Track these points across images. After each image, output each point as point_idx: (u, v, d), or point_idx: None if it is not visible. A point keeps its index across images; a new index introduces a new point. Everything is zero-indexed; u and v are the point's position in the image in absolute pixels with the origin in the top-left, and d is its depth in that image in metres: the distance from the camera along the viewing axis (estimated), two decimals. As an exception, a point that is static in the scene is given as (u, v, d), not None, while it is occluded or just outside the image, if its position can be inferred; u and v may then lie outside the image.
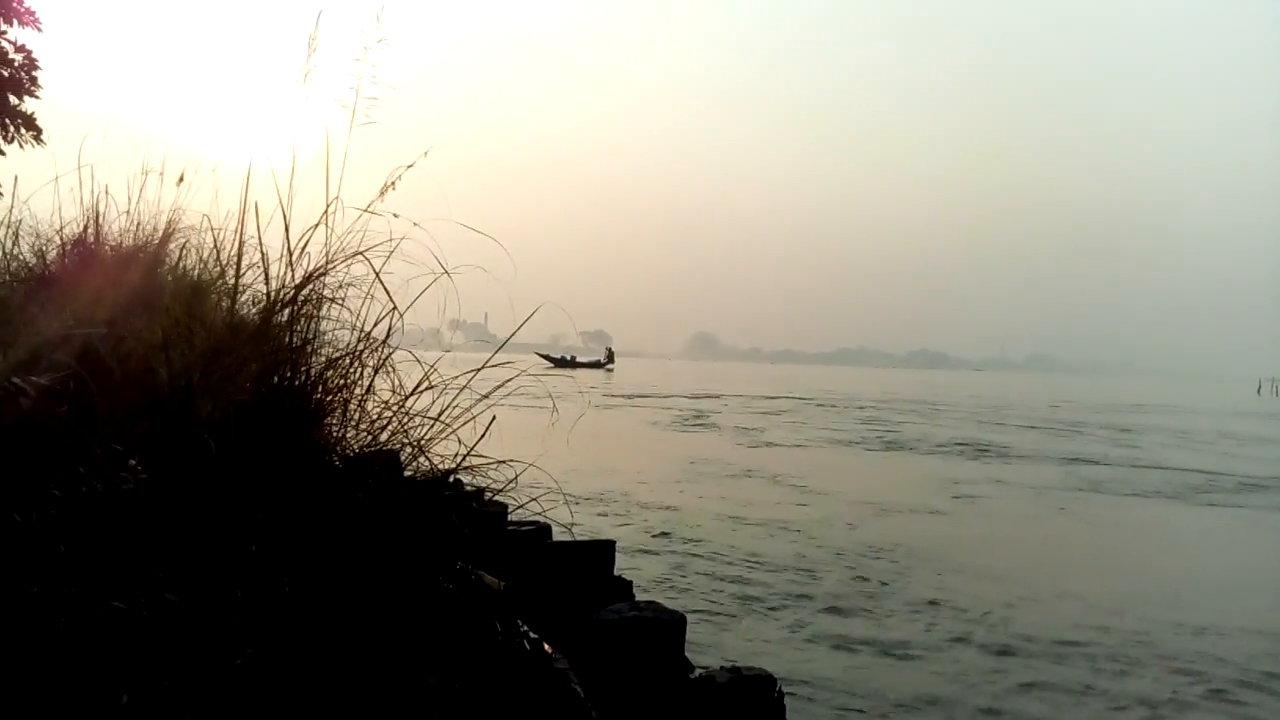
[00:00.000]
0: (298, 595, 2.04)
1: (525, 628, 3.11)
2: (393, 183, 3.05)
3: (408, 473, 3.13)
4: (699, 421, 23.00)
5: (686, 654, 3.07)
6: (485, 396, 2.92)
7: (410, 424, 2.81)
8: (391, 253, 2.75)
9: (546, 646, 2.97)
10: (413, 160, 3.12)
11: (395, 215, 2.95)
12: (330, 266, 2.86)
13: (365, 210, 2.93)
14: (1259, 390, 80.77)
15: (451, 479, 3.53)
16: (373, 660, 2.28)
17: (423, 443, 2.89)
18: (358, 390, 2.77)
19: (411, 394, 2.78)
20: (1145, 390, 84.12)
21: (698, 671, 2.73)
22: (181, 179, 4.96)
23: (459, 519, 3.22)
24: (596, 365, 40.04)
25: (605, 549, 3.69)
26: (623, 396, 32.45)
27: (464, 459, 2.91)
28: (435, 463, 2.96)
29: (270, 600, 1.93)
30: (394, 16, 2.92)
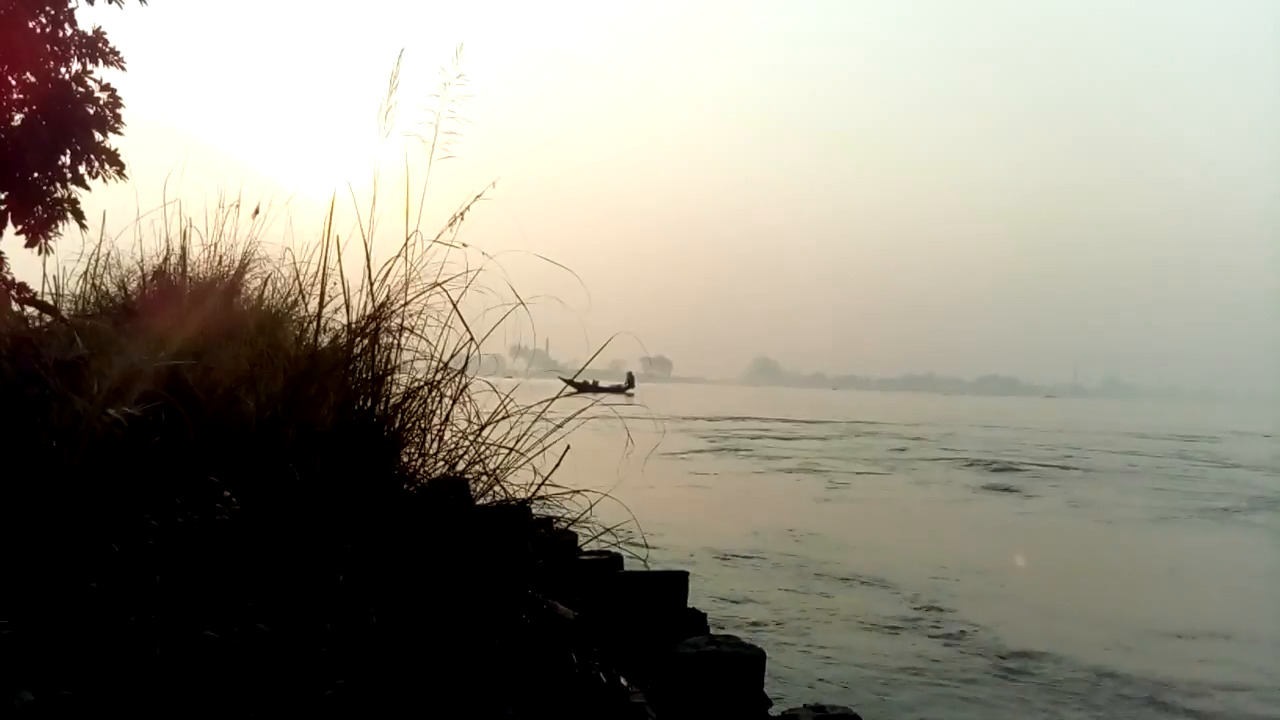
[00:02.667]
0: (384, 626, 2.05)
1: (599, 660, 3.08)
2: (462, 213, 3.08)
3: (483, 501, 3.14)
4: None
5: (765, 689, 3.01)
6: (559, 426, 2.92)
7: (485, 453, 2.82)
8: (469, 284, 2.78)
9: (623, 679, 2.94)
10: (481, 191, 3.16)
11: (465, 245, 2.98)
12: (410, 298, 2.90)
13: (436, 240, 2.96)
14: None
15: (528, 507, 3.54)
16: (456, 692, 2.28)
17: (498, 472, 2.90)
18: (435, 420, 2.80)
19: (487, 424, 2.80)
20: (1234, 415, 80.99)
21: (778, 709, 2.67)
22: (257, 211, 5.11)
23: (533, 548, 3.22)
24: (618, 390, 40.51)
25: (678, 580, 3.65)
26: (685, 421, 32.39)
27: (538, 488, 2.91)
28: (510, 491, 2.96)
29: (358, 631, 1.94)
30: (472, 53, 2.96)
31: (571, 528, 3.76)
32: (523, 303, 2.81)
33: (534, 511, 3.50)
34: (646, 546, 3.09)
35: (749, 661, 2.75)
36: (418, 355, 2.88)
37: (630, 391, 42.28)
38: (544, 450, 2.93)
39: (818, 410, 50.51)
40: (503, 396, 2.82)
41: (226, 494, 2.06)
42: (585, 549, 3.92)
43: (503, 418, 2.81)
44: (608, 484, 3.02)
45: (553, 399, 2.89)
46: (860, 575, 7.26)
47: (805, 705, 2.60)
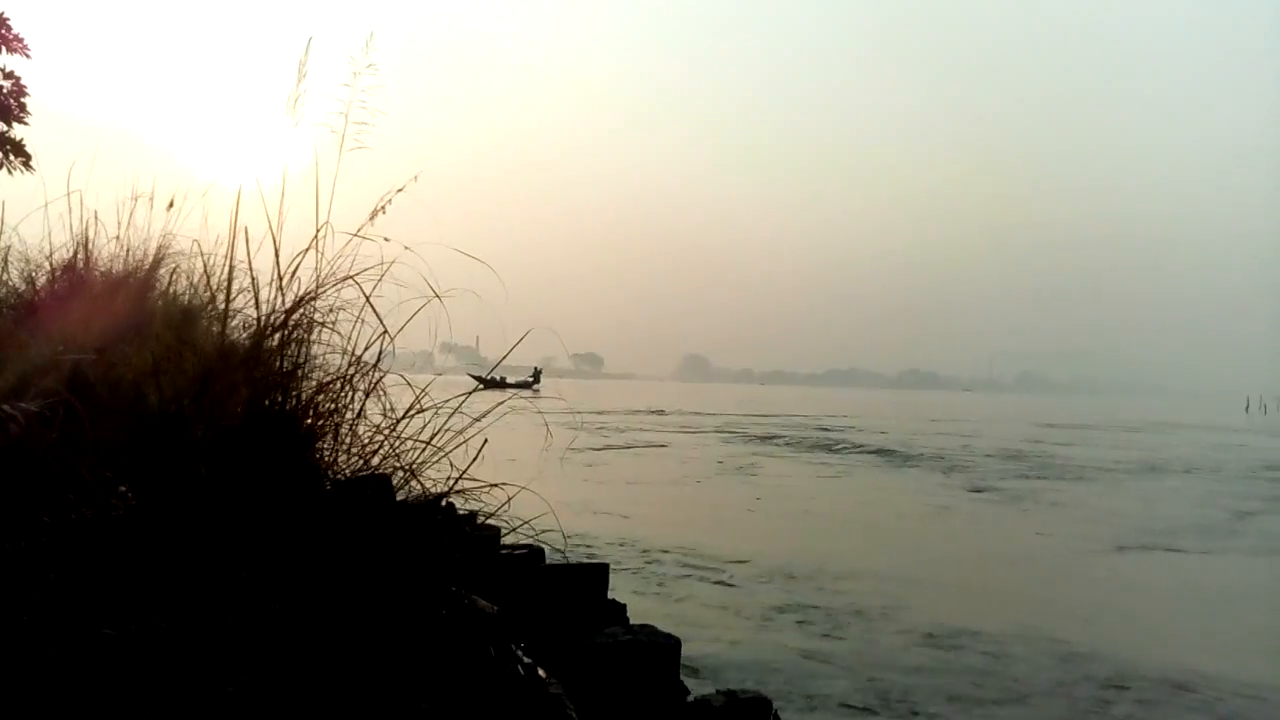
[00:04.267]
0: (290, 622, 2.02)
1: (520, 652, 3.09)
2: (383, 206, 3.05)
3: (401, 497, 3.12)
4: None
5: (682, 677, 3.05)
6: (477, 420, 2.91)
7: (401, 448, 2.80)
8: (382, 277, 2.75)
9: (541, 671, 2.94)
10: (403, 184, 3.13)
11: (387, 239, 2.96)
12: (321, 291, 2.86)
13: (356, 235, 2.93)
14: (1247, 408, 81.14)
15: (444, 503, 3.53)
16: (366, 687, 2.26)
17: (414, 466, 2.88)
18: (349, 414, 2.76)
19: (403, 418, 2.78)
20: (1140, 408, 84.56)
21: (693, 695, 2.71)
22: (172, 204, 4.96)
23: (451, 543, 3.21)
24: (525, 385, 41.06)
25: (599, 572, 3.67)
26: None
27: (456, 482, 2.90)
28: (427, 486, 2.95)
29: (262, 627, 1.91)
30: (384, 42, 2.93)
31: (491, 521, 3.76)
32: (438, 296, 2.79)
33: (456, 506, 3.49)
34: (565, 537, 3.11)
35: (665, 650, 2.79)
36: (330, 349, 2.85)
37: (537, 387, 42.88)
38: (460, 445, 2.93)
39: (725, 404, 51.31)
40: (417, 391, 2.80)
41: (122, 489, 2.01)
42: (508, 543, 3.92)
43: (417, 412, 2.79)
44: (524, 478, 3.03)
45: (465, 395, 2.88)
46: (763, 562, 7.38)
47: (718, 691, 2.65)
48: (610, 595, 3.71)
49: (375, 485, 3.19)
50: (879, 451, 20.08)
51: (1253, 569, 8.51)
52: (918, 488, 13.90)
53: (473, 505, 3.39)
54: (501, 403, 2.98)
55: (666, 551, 7.75)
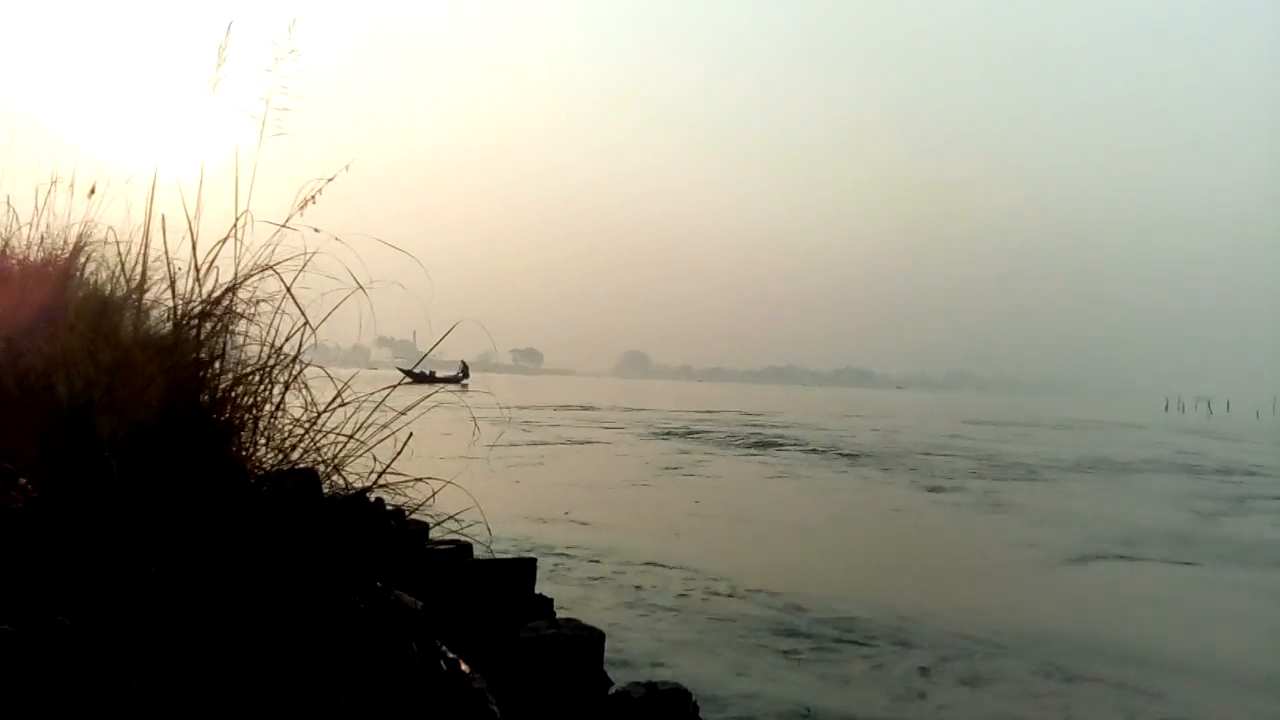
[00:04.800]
0: (201, 618, 1.98)
1: (444, 648, 3.07)
2: (312, 196, 3.00)
3: (326, 492, 3.07)
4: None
5: (608, 670, 3.06)
6: (402, 413, 2.88)
7: (323, 441, 2.76)
8: (303, 267, 2.70)
9: (464, 666, 2.93)
10: (334, 174, 3.08)
11: (317, 230, 2.91)
12: (240, 281, 2.80)
13: (283, 225, 2.88)
14: (1166, 407, 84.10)
15: (373, 498, 3.49)
16: (280, 684, 2.23)
17: (336, 461, 2.84)
18: (268, 407, 2.71)
19: (324, 411, 2.73)
20: (1066, 406, 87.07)
21: (615, 688, 2.72)
22: (93, 190, 4.80)
23: (375, 538, 3.17)
24: (453, 380, 41.25)
25: (526, 567, 3.66)
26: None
27: (379, 477, 2.86)
28: (350, 481, 2.91)
29: (171, 623, 1.87)
30: (308, 28, 2.88)
31: (417, 516, 3.73)
32: (361, 287, 2.76)
33: (384, 501, 3.45)
34: (490, 532, 3.10)
35: (588, 643, 2.79)
36: (250, 341, 2.79)
37: (465, 382, 42.87)
38: (384, 438, 2.90)
39: (661, 401, 51.56)
40: (339, 384, 2.76)
41: (22, 481, 1.94)
42: (436, 538, 3.90)
43: (338, 405, 2.75)
44: (449, 473, 3.01)
45: (389, 389, 2.85)
46: (694, 557, 7.41)
47: (638, 683, 2.67)
48: (538, 590, 3.71)
49: (300, 480, 3.14)
50: (822, 450, 20.07)
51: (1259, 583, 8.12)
52: (865, 486, 13.76)
53: (398, 500, 3.36)
54: (427, 397, 2.95)
55: (592, 547, 7.74)
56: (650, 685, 2.63)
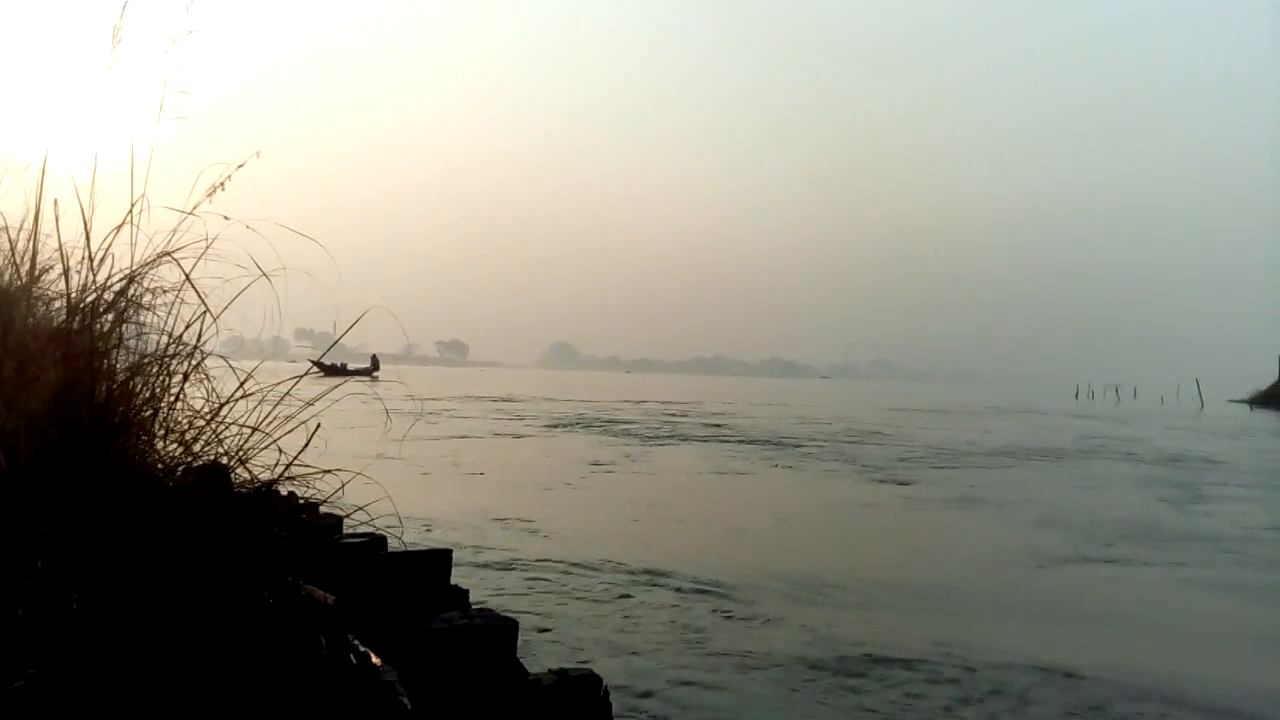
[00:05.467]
0: (94, 614, 1.92)
1: (355, 641, 3.03)
2: (222, 183, 2.93)
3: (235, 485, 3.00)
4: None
5: (527, 659, 3.07)
6: (309, 404, 2.84)
7: (226, 434, 2.70)
8: (203, 254, 2.63)
9: (375, 659, 2.90)
10: (244, 160, 3.01)
11: (227, 218, 2.84)
12: (139, 270, 2.72)
13: (189, 213, 2.80)
14: (1076, 395, 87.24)
15: (285, 492, 3.42)
16: (179, 680, 2.18)
17: (241, 453, 2.78)
18: (167, 399, 2.64)
19: (226, 403, 2.67)
20: (987, 394, 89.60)
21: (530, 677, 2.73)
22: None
23: (286, 532, 3.12)
24: (365, 373, 41.38)
25: (442, 558, 3.63)
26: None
27: (286, 469, 2.81)
28: (256, 473, 2.85)
29: (57, 619, 1.81)
30: (209, 13, 2.81)
31: (331, 510, 3.67)
32: (265, 275, 2.70)
33: (297, 495, 3.39)
34: (402, 523, 3.07)
35: (500, 632, 2.79)
36: (148, 331, 2.71)
37: (376, 374, 42.65)
38: (291, 430, 2.85)
39: (586, 391, 51.64)
40: (240, 375, 2.70)
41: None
42: (350, 531, 3.85)
43: (241, 397, 2.69)
44: (359, 464, 2.97)
45: (296, 379, 2.80)
46: (615, 549, 7.44)
47: (549, 670, 2.68)
48: (453, 582, 3.69)
49: (208, 474, 3.07)
50: (762, 442, 19.92)
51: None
52: (817, 480, 13.52)
53: (309, 494, 3.31)
54: (334, 388, 2.90)
55: (505, 537, 7.71)
56: (561, 671, 2.64)
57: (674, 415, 29.48)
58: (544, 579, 6.34)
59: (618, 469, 13.58)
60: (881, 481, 13.14)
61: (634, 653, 4.67)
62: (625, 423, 25.29)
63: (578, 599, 5.77)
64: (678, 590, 6.06)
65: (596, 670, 2.72)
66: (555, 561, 6.92)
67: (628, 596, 5.87)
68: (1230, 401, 65.43)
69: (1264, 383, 62.97)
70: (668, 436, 20.62)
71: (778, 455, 16.41)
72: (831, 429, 25.39)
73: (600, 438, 19.59)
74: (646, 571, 6.48)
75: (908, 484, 13.05)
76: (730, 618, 5.34)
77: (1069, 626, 5.71)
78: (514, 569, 6.59)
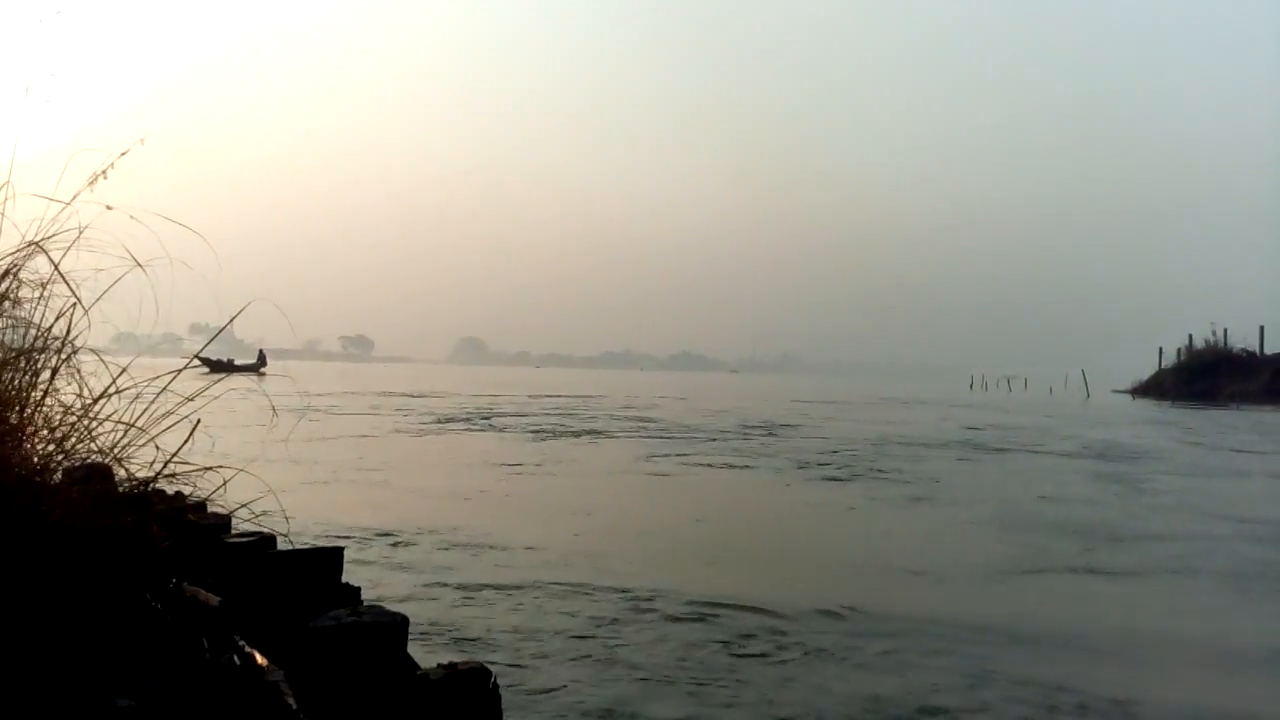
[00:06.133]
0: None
1: (241, 642, 2.97)
2: (105, 171, 2.84)
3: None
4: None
5: (418, 655, 3.04)
6: (189, 399, 2.76)
7: (100, 431, 2.61)
8: (73, 244, 2.54)
9: (260, 659, 2.85)
10: (127, 148, 2.92)
11: (110, 207, 2.76)
12: (5, 260, 2.60)
13: (67, 203, 2.70)
14: (971, 385, 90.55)
15: (173, 491, 3.32)
16: (50, 687, 2.10)
17: (117, 450, 2.69)
18: (34, 395, 2.54)
19: (100, 398, 2.58)
20: (889, 385, 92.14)
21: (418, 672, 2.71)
22: None
23: (171, 532, 3.03)
24: (253, 369, 40.82)
25: (333, 556, 3.57)
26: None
27: (165, 466, 2.73)
28: (133, 471, 2.77)
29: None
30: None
31: (214, 508, 3.58)
32: (140, 265, 2.62)
33: (184, 495, 3.29)
34: (288, 520, 3.02)
35: (389, 629, 2.76)
36: (13, 324, 2.60)
37: (263, 370, 41.90)
38: (172, 426, 2.77)
39: (487, 386, 51.31)
40: (114, 371, 2.61)
41: None
42: (239, 531, 3.75)
43: (116, 393, 2.60)
44: (243, 462, 2.91)
45: (175, 373, 2.72)
46: (516, 543, 7.43)
47: (439, 665, 2.67)
48: (345, 579, 3.63)
49: (89, 472, 2.95)
50: (682, 437, 19.54)
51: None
52: (750, 478, 12.94)
53: (192, 492, 3.23)
54: (217, 383, 2.83)
55: (395, 532, 7.60)
56: (450, 665, 2.63)
57: (585, 409, 29.48)
58: (434, 571, 6.27)
59: (526, 469, 13.49)
60: (828, 480, 12.67)
61: (527, 644, 4.67)
62: (532, 416, 25.17)
63: (474, 592, 5.72)
64: (563, 580, 6.07)
65: (488, 663, 2.71)
66: (451, 552, 6.86)
67: (522, 586, 5.86)
68: (1114, 391, 68.76)
69: (1144, 374, 66.36)
70: (581, 431, 20.54)
71: (700, 450, 16.47)
72: (747, 421, 25.72)
73: (504, 434, 19.37)
74: (575, 582, 6.46)
75: (847, 480, 12.61)
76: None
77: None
78: (408, 565, 6.51)
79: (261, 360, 46.29)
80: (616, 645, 4.74)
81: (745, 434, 20.80)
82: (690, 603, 5.53)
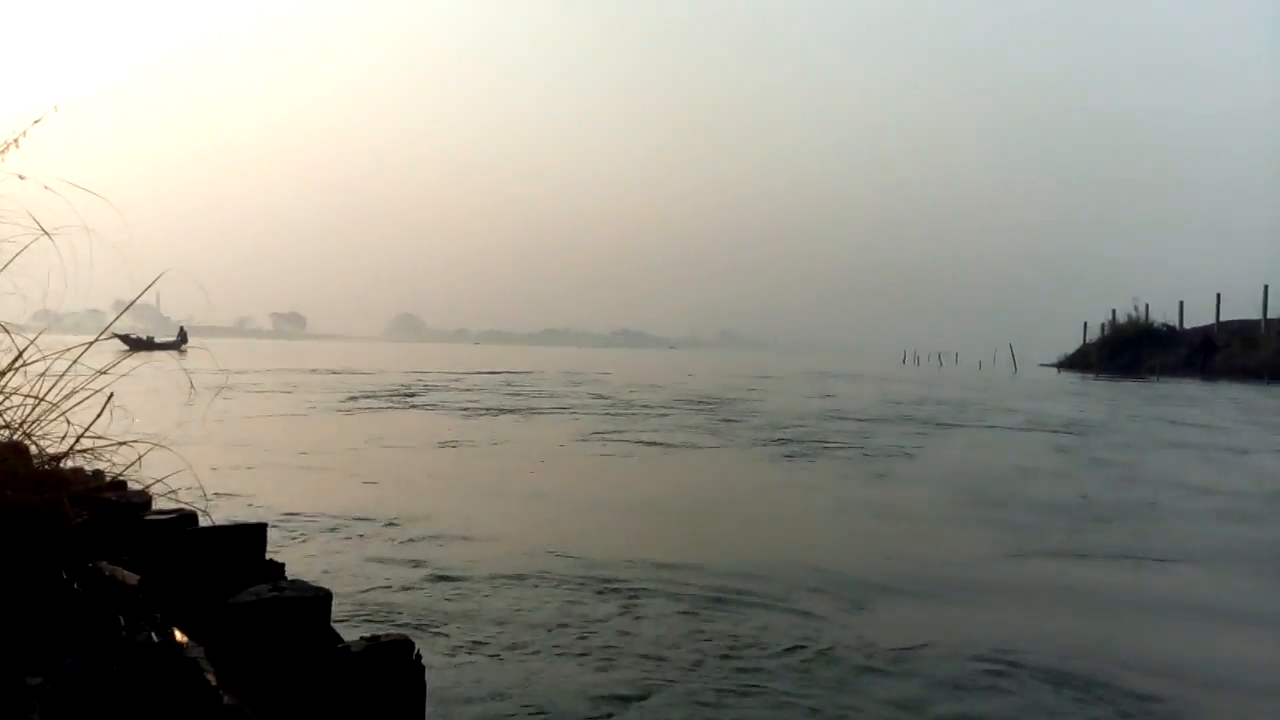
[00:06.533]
0: None
1: (160, 619, 2.94)
2: (17, 139, 2.75)
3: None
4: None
5: (343, 629, 3.03)
6: (102, 372, 2.71)
7: (6, 406, 2.54)
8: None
9: (180, 636, 2.82)
10: (40, 115, 2.84)
11: (22, 177, 2.67)
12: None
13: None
14: (904, 360, 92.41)
15: (90, 470, 3.25)
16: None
17: (26, 425, 2.63)
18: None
19: (4, 373, 2.51)
20: (827, 361, 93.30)
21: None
22: None
23: (89, 511, 2.98)
24: (173, 346, 40.57)
25: (255, 532, 3.53)
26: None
27: (77, 441, 2.68)
28: (43, 447, 2.70)
29: None
30: None
31: (134, 485, 3.52)
32: (46, 233, 2.54)
33: (102, 473, 3.23)
34: (206, 498, 2.98)
35: (311, 604, 2.75)
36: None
37: (184, 348, 41.59)
38: (83, 401, 2.71)
39: (420, 363, 50.65)
40: (19, 345, 2.55)
41: None
42: (160, 508, 3.68)
43: (21, 366, 2.54)
44: (159, 437, 2.86)
45: (85, 346, 2.66)
46: (427, 518, 7.39)
47: (361, 637, 2.67)
48: (270, 556, 3.60)
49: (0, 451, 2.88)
50: (625, 413, 19.28)
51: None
52: (707, 456, 12.53)
53: (108, 469, 3.17)
54: (129, 357, 2.77)
55: (317, 508, 7.52)
56: (373, 638, 2.64)
57: (527, 386, 29.30)
58: (357, 545, 6.23)
59: (464, 444, 13.37)
60: (789, 457, 12.36)
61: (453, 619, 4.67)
62: (471, 390, 24.94)
63: (403, 566, 5.70)
64: (492, 554, 6.07)
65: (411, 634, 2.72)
66: (372, 527, 6.81)
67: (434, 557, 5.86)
68: (1040, 365, 70.65)
69: (1069, 348, 68.29)
70: (522, 409, 20.35)
71: (650, 426, 16.42)
72: (691, 396, 25.78)
73: (433, 412, 19.08)
74: (516, 560, 6.47)
75: (808, 458, 12.32)
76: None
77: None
78: (333, 540, 6.45)
79: (182, 337, 45.64)
80: (575, 625, 4.76)
81: (695, 409, 20.91)
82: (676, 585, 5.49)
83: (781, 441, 13.91)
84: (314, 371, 33.49)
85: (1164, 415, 22.34)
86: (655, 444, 13.66)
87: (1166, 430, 18.27)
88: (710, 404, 22.73)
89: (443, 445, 12.80)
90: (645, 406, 21.20)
